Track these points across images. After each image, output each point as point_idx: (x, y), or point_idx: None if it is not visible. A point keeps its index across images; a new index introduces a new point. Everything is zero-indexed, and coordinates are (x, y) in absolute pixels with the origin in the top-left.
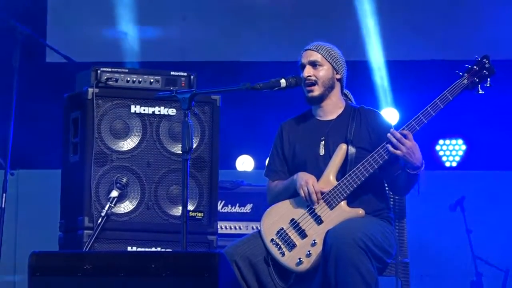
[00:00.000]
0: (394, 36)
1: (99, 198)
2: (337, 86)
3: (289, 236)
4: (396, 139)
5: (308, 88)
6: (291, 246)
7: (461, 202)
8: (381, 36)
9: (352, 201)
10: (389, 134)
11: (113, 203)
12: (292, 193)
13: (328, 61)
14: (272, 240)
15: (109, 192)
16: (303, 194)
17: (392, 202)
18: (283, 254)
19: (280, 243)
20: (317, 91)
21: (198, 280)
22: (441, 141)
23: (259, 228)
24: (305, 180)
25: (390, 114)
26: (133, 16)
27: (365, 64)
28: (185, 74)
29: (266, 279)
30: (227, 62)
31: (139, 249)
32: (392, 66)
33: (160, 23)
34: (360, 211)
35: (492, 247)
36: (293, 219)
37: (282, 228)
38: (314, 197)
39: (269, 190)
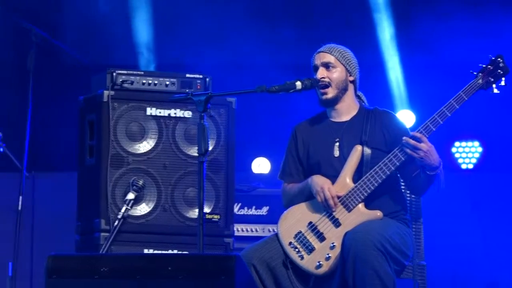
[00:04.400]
0: (409, 37)
1: (116, 201)
2: (351, 88)
3: (308, 239)
4: (411, 145)
5: (322, 91)
6: (310, 249)
7: (478, 205)
8: (396, 36)
9: (369, 203)
10: (404, 141)
11: (130, 205)
12: (307, 196)
13: (341, 63)
14: (290, 243)
15: (126, 194)
16: (319, 200)
17: (408, 204)
18: (302, 257)
19: (298, 246)
20: (331, 93)
21: (214, 282)
22: (457, 143)
23: (276, 231)
24: (320, 186)
25: (405, 116)
26: (147, 17)
27: (381, 66)
28: (201, 76)
29: (285, 282)
30: (243, 64)
31: (155, 252)
32: (408, 67)
33: (174, 23)
34: (378, 213)
35: (510, 249)
36: (311, 222)
37: (300, 231)
38: (331, 202)
39: (284, 193)
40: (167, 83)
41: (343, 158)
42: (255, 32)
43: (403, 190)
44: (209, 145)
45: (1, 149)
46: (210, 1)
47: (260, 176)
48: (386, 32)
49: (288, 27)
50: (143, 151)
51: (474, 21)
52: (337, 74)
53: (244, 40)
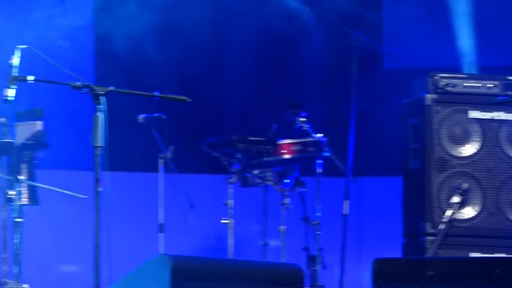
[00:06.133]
0: None
1: (441, 204)
2: None
3: None
4: None
5: None
6: None
7: None
8: None
9: None
10: None
11: (455, 209)
12: None
13: None
14: None
15: (450, 198)
16: None
17: None
18: None
19: None
20: None
21: None
22: None
23: None
24: None
25: None
26: (469, 20)
27: None
28: None
29: None
30: None
31: (481, 255)
32: None
33: (496, 26)
34: None
35: None
36: None
37: None
38: None
39: None
40: (490, 85)
41: None
42: None
43: None
44: None
45: (327, 154)
46: None
47: None
48: None
49: None
50: (467, 154)
51: None
52: None
53: None
